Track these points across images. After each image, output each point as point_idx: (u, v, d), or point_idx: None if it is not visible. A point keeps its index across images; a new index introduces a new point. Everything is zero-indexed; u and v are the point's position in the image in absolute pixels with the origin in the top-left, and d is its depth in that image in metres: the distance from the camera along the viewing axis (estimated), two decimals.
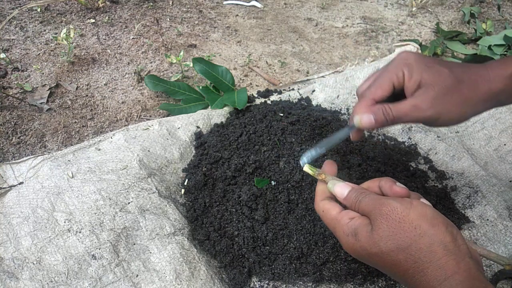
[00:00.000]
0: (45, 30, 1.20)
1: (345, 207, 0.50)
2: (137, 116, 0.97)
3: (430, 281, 0.39)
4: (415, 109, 0.51)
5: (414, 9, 1.51)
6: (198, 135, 0.85)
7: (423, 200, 0.48)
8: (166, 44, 1.21)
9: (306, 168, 0.54)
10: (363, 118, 0.52)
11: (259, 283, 0.66)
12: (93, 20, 1.26)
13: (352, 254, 0.47)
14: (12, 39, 1.14)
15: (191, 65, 1.01)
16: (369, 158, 0.80)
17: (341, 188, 0.50)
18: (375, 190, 0.51)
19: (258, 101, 0.97)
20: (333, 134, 0.56)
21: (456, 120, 0.52)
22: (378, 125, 0.53)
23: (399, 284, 0.66)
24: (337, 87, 1.03)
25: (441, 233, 0.40)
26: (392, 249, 0.41)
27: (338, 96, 1.01)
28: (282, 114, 0.84)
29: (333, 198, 0.52)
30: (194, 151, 0.83)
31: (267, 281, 0.66)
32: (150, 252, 0.65)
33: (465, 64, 0.53)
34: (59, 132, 0.90)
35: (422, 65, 0.51)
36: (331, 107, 0.98)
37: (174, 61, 1.05)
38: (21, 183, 0.72)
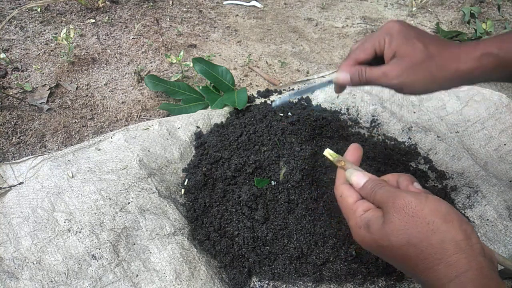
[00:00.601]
0: (45, 30, 1.20)
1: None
2: (137, 116, 0.97)
3: (440, 278, 0.39)
4: (383, 76, 0.55)
5: (414, 9, 1.51)
6: (198, 135, 0.85)
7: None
8: (166, 44, 1.21)
9: (327, 153, 0.55)
10: (341, 75, 0.58)
11: (259, 283, 0.66)
12: (93, 20, 1.26)
13: (362, 246, 0.47)
14: (12, 39, 1.14)
15: (191, 65, 1.01)
16: (369, 158, 0.80)
17: (358, 178, 0.50)
18: (393, 184, 0.51)
19: (258, 101, 0.97)
20: (313, 84, 0.62)
21: (420, 91, 0.56)
22: (353, 83, 0.58)
23: (399, 284, 0.66)
24: None
25: (454, 230, 0.40)
26: (403, 243, 0.41)
27: (338, 96, 1.01)
28: (282, 114, 0.84)
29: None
30: (194, 151, 0.83)
31: (267, 281, 0.66)
32: (150, 252, 0.65)
33: (442, 41, 0.56)
34: (59, 132, 0.90)
35: (402, 38, 0.55)
36: (331, 107, 0.98)
37: (174, 61, 1.05)
38: (21, 183, 0.72)
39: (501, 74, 0.53)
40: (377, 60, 0.58)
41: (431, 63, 0.53)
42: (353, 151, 0.55)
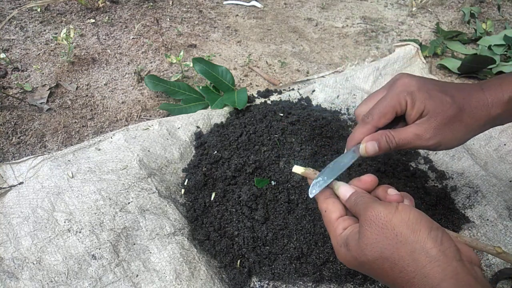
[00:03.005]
0: (45, 30, 1.20)
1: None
2: (137, 116, 0.97)
3: None
4: (417, 138, 0.52)
5: (414, 9, 1.51)
6: (198, 135, 0.85)
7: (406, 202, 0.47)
8: (166, 44, 1.21)
9: (295, 170, 0.54)
10: (368, 147, 0.54)
11: (259, 283, 0.66)
12: (93, 20, 1.26)
13: (346, 265, 0.46)
14: (12, 39, 1.14)
15: (191, 65, 1.01)
16: (369, 158, 0.80)
17: (345, 190, 0.50)
18: (381, 195, 0.50)
19: (258, 101, 0.97)
20: (337, 160, 0.55)
21: (456, 145, 0.54)
22: (381, 152, 0.54)
23: None
24: (337, 87, 1.03)
25: (422, 239, 0.39)
26: (377, 257, 0.40)
27: (338, 96, 1.01)
28: (282, 114, 0.84)
29: (336, 197, 0.51)
30: (194, 151, 0.83)
31: (267, 281, 0.66)
32: (150, 252, 0.65)
33: (464, 87, 0.54)
34: (59, 132, 0.90)
35: (425, 93, 0.52)
36: (331, 107, 0.98)
37: (174, 61, 1.05)
38: (21, 183, 0.72)
39: None
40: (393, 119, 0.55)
41: (463, 115, 0.52)
42: (370, 179, 0.52)
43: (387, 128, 0.55)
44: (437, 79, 0.56)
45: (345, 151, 0.57)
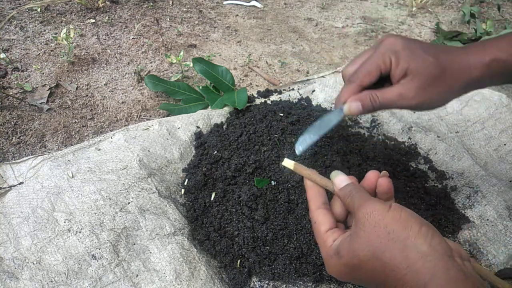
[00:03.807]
0: (45, 30, 1.20)
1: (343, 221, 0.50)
2: (137, 116, 0.97)
3: None
4: (400, 98, 0.53)
5: (414, 9, 1.51)
6: (198, 135, 0.85)
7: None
8: (166, 44, 1.21)
9: (285, 163, 0.52)
10: (352, 106, 0.54)
11: (259, 283, 0.66)
12: (93, 20, 1.26)
13: (336, 276, 0.45)
14: (12, 39, 1.14)
15: (191, 65, 1.01)
16: (369, 158, 0.80)
17: (341, 179, 0.49)
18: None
19: (258, 101, 0.97)
20: (322, 118, 0.56)
21: (437, 106, 0.54)
22: (365, 111, 0.54)
23: None
24: (337, 87, 1.03)
25: (413, 235, 0.39)
26: (369, 257, 0.40)
27: None
28: (282, 114, 0.84)
29: (328, 206, 0.50)
30: (194, 151, 0.83)
31: (267, 281, 0.66)
32: (150, 252, 0.65)
33: (448, 49, 0.54)
34: (59, 132, 0.90)
35: (409, 53, 0.52)
36: (331, 107, 0.98)
37: (174, 61, 1.05)
38: (21, 183, 0.72)
39: (508, 78, 0.53)
40: (380, 80, 0.55)
41: (445, 76, 0.52)
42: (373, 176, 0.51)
43: (374, 86, 0.55)
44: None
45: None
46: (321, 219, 0.48)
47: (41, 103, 0.96)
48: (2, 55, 1.04)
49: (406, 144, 0.90)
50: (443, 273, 0.36)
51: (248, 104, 0.93)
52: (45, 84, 1.01)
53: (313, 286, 0.65)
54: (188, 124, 0.86)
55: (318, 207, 0.49)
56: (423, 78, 0.52)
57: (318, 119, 0.56)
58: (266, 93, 1.01)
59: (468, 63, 0.52)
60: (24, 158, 0.76)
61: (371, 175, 0.49)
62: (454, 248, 0.40)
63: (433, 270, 0.37)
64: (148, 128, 0.84)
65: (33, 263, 0.62)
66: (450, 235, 0.73)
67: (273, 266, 0.66)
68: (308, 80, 1.09)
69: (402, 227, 0.40)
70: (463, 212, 0.76)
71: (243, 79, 1.13)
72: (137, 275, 0.62)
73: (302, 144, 0.54)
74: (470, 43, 0.56)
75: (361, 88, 0.55)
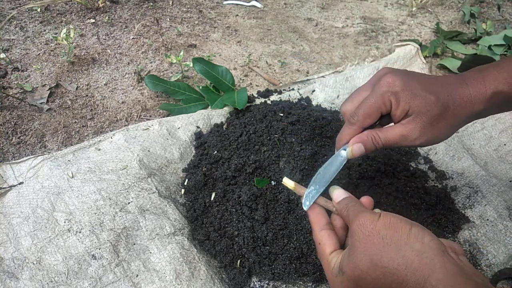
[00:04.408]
0: (45, 30, 1.20)
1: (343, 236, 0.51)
2: (137, 116, 0.97)
3: None
4: (404, 139, 0.53)
5: (414, 9, 1.51)
6: (198, 135, 0.85)
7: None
8: (166, 44, 1.21)
9: (285, 182, 0.56)
10: (354, 149, 0.55)
11: (259, 283, 0.66)
12: (93, 20, 1.26)
13: None
14: (12, 39, 1.14)
15: (191, 65, 1.01)
16: (369, 158, 0.80)
17: (340, 193, 0.52)
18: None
19: (258, 101, 0.97)
20: (326, 166, 0.56)
21: (441, 141, 0.55)
22: (367, 152, 0.55)
23: None
24: (337, 87, 1.03)
25: (405, 236, 0.41)
26: (369, 266, 0.41)
27: (338, 96, 1.01)
28: (282, 114, 0.84)
29: (331, 227, 0.51)
30: (194, 151, 0.83)
31: (267, 281, 0.66)
32: (150, 252, 0.65)
33: (448, 83, 0.54)
34: (59, 132, 0.90)
35: (409, 93, 0.52)
36: (331, 107, 0.98)
37: (174, 61, 1.05)
38: (21, 183, 0.72)
39: (509, 107, 0.55)
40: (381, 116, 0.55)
41: (448, 114, 0.52)
42: (368, 201, 0.53)
43: (374, 124, 0.56)
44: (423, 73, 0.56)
45: (335, 151, 0.58)
46: (325, 241, 0.49)
47: (41, 103, 0.96)
48: (2, 55, 1.04)
49: None
50: (441, 268, 0.38)
51: (248, 104, 0.93)
52: (45, 84, 1.01)
53: (313, 286, 0.65)
54: (188, 124, 0.86)
55: (322, 228, 0.51)
56: (426, 118, 0.52)
57: (321, 168, 0.56)
58: (266, 93, 1.01)
59: (470, 98, 0.52)
60: (24, 158, 0.76)
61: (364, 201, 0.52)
62: (447, 244, 0.42)
63: (431, 266, 0.38)
64: (148, 128, 0.84)
65: (33, 263, 0.62)
66: (450, 235, 0.73)
67: (273, 266, 0.66)
68: (308, 80, 1.09)
69: (393, 230, 0.41)
70: (463, 212, 0.76)
71: (243, 79, 1.13)
72: (137, 275, 0.62)
73: (309, 199, 0.54)
74: (467, 71, 0.56)
75: (362, 129, 0.55)
